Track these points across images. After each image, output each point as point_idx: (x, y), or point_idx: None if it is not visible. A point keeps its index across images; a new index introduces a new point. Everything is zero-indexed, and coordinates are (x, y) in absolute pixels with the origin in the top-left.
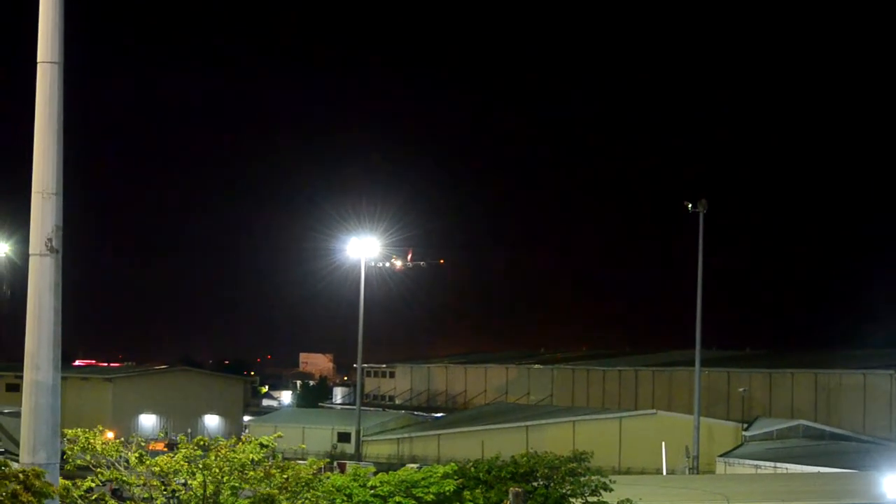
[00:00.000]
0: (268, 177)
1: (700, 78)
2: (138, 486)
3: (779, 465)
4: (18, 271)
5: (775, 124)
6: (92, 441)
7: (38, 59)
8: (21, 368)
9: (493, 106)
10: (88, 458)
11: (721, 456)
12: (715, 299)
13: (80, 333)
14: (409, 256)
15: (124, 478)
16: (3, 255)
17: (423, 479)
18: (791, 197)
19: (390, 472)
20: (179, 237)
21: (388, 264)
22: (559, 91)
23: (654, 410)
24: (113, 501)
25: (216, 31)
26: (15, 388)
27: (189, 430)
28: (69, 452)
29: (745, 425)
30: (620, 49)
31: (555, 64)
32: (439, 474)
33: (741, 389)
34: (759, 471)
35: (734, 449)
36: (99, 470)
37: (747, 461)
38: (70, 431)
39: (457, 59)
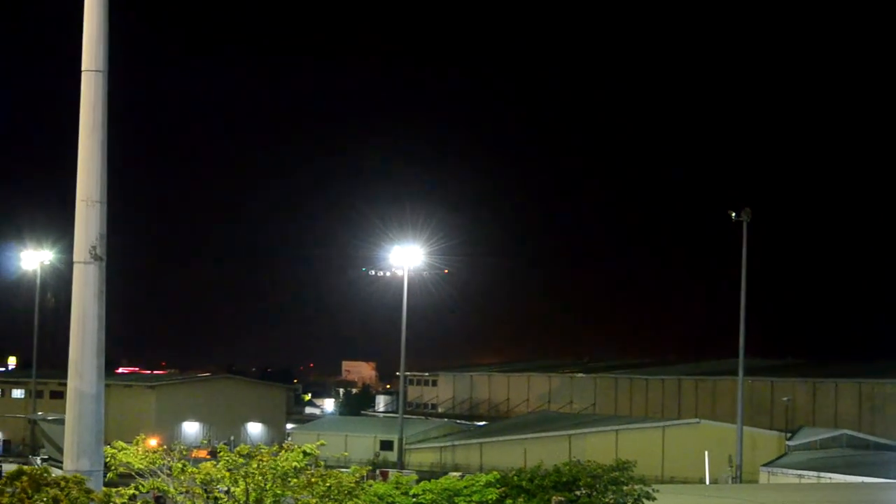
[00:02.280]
0: (312, 185)
1: (747, 84)
2: (181, 493)
3: (822, 474)
4: (63, 279)
5: (823, 132)
6: (119, 458)
7: (83, 68)
8: (65, 375)
9: (529, 114)
10: (137, 466)
11: (764, 465)
12: (758, 308)
13: (123, 341)
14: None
15: (165, 487)
16: (48, 262)
17: (465, 487)
18: (835, 206)
19: (433, 481)
20: (223, 245)
21: (388, 273)
22: (598, 100)
23: (697, 419)
24: None
25: (261, 38)
26: (59, 395)
27: (232, 438)
28: (111, 461)
29: (789, 435)
30: (666, 57)
31: (594, 72)
32: (482, 483)
33: (785, 399)
34: (803, 480)
35: (777, 458)
36: (140, 480)
37: (790, 471)
38: (110, 449)
39: (502, 70)
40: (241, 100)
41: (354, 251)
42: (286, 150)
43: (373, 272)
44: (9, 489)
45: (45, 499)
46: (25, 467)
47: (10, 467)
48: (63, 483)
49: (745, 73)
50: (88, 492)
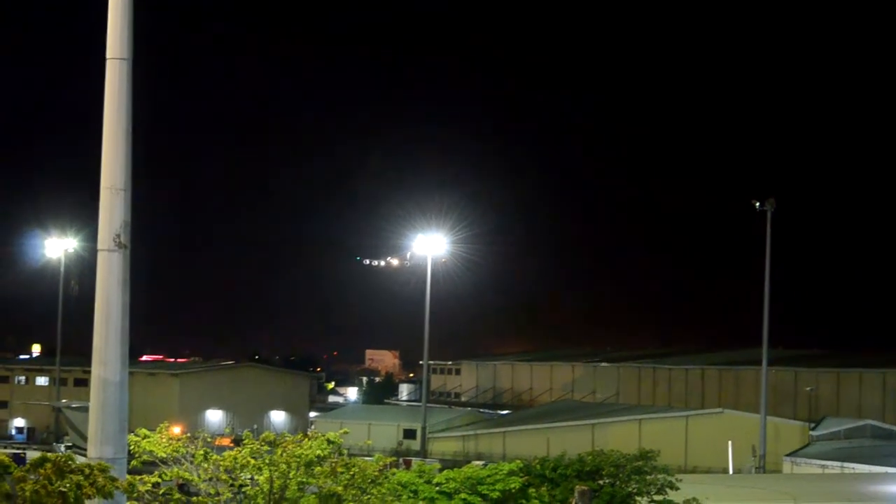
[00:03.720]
0: (336, 173)
1: (771, 73)
2: (205, 481)
3: (846, 464)
4: (87, 267)
5: (849, 119)
6: (142, 446)
7: (107, 56)
8: (89, 363)
9: (556, 103)
10: (160, 454)
11: (788, 455)
12: (783, 298)
13: (147, 329)
14: (410, 255)
15: (188, 476)
16: (72, 250)
17: (488, 476)
18: (860, 195)
19: (456, 469)
20: (248, 233)
21: (383, 263)
22: (622, 89)
23: (720, 409)
24: (180, 496)
25: (279, 29)
26: (83, 382)
27: (255, 426)
28: (135, 448)
29: (812, 425)
30: (690, 45)
31: (619, 62)
32: (505, 472)
33: (808, 389)
34: (826, 471)
35: (801, 448)
36: (163, 467)
37: (814, 461)
38: (134, 437)
39: (529, 61)
40: (264, 87)
41: (379, 240)
42: (307, 136)
43: (367, 262)
44: (32, 476)
45: (68, 486)
46: (49, 454)
47: (34, 454)
48: (87, 470)
49: (770, 60)
50: (113, 479)
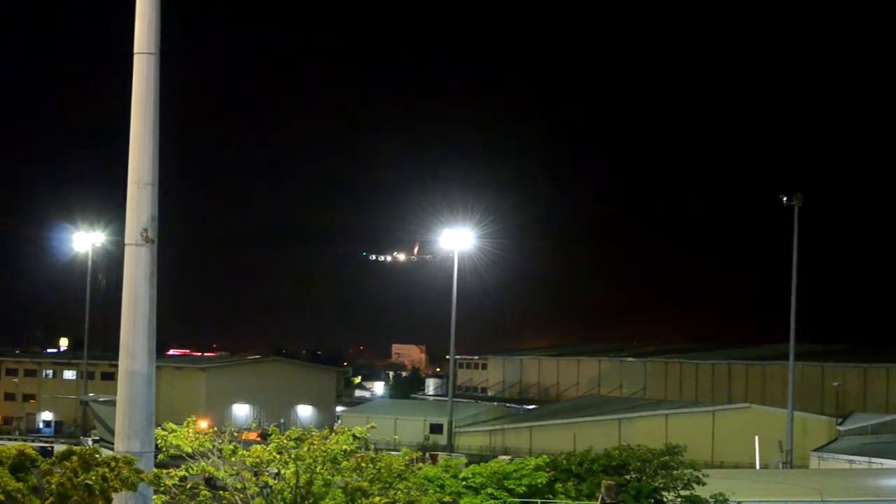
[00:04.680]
0: (362, 167)
1: (800, 68)
2: (231, 475)
3: (873, 460)
4: (114, 261)
5: (873, 115)
6: (169, 440)
7: (135, 50)
8: (116, 357)
9: (580, 98)
10: (187, 449)
11: (815, 450)
12: (810, 293)
13: (174, 323)
14: (416, 250)
15: (213, 471)
16: (100, 244)
17: (515, 471)
18: (888, 189)
19: (482, 464)
20: (274, 227)
21: (389, 258)
22: (646, 84)
23: (747, 404)
24: (206, 491)
25: (304, 21)
26: (110, 376)
27: (282, 420)
28: (162, 442)
29: (840, 420)
30: (716, 39)
31: (644, 57)
32: (531, 466)
33: (836, 384)
34: (854, 466)
35: (828, 444)
36: (190, 461)
37: (841, 456)
38: (161, 431)
39: (555, 60)
40: (286, 80)
41: (405, 234)
42: (334, 131)
43: (373, 257)
44: (59, 469)
45: (93, 478)
46: (75, 447)
47: (61, 448)
48: (113, 463)
49: (798, 54)
50: (138, 472)
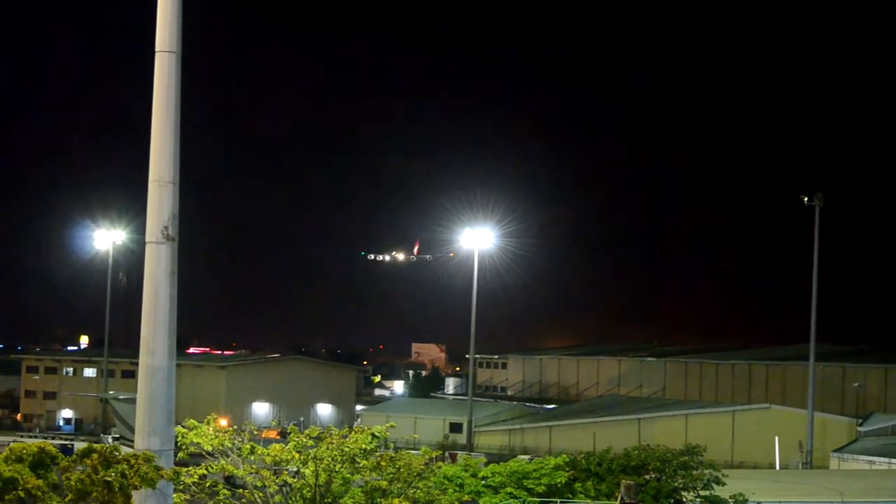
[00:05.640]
0: (382, 167)
1: (820, 69)
2: (250, 474)
3: (893, 461)
4: (135, 259)
5: (893, 116)
6: (189, 438)
7: (157, 49)
8: (136, 355)
9: (603, 100)
10: (207, 447)
11: (835, 451)
12: (830, 293)
13: (194, 321)
14: (416, 249)
15: (233, 469)
16: (120, 243)
17: (534, 470)
18: None
19: (502, 463)
20: (295, 227)
21: (388, 258)
22: (670, 83)
23: (767, 405)
24: (226, 489)
25: (330, 15)
26: (130, 374)
27: (301, 419)
28: (182, 440)
29: (860, 421)
30: (739, 41)
31: (669, 57)
32: (551, 466)
33: (856, 384)
34: (874, 467)
35: (848, 444)
36: (210, 460)
37: (861, 457)
38: (181, 429)
39: (579, 59)
40: (309, 81)
41: (426, 234)
42: (357, 132)
43: (372, 257)
44: (79, 466)
45: (113, 475)
46: (95, 445)
47: (81, 446)
48: (133, 460)
49: (818, 55)
50: (157, 468)
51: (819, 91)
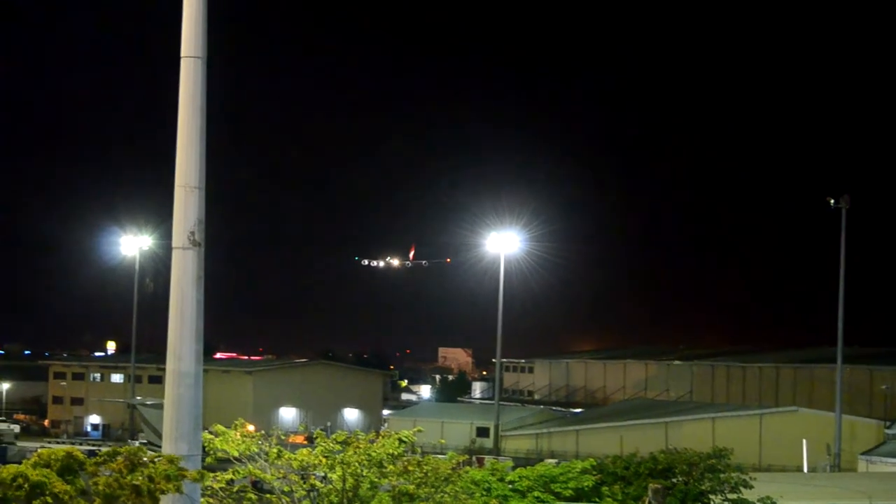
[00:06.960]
0: (406, 170)
1: (844, 71)
2: (277, 479)
3: None
4: (162, 264)
5: None
6: (215, 444)
7: (182, 55)
8: (163, 360)
9: (625, 104)
10: (233, 452)
11: (863, 454)
12: (858, 296)
13: (221, 326)
14: (412, 254)
15: (260, 474)
16: (147, 248)
17: (561, 474)
18: None
19: (528, 467)
20: (321, 232)
21: (382, 264)
22: (695, 89)
23: (794, 407)
24: (253, 495)
25: (350, 22)
26: (157, 380)
27: (328, 424)
28: (209, 445)
29: (888, 423)
30: (760, 44)
31: (686, 62)
32: (578, 470)
33: (884, 387)
34: None
35: (876, 447)
36: (237, 465)
37: (890, 459)
38: (208, 434)
39: (598, 66)
40: (331, 84)
41: (452, 238)
42: (383, 136)
43: (365, 262)
44: (106, 472)
45: (140, 479)
46: (120, 448)
47: (106, 450)
48: (160, 464)
49: (844, 57)
50: (182, 469)
51: (848, 93)
